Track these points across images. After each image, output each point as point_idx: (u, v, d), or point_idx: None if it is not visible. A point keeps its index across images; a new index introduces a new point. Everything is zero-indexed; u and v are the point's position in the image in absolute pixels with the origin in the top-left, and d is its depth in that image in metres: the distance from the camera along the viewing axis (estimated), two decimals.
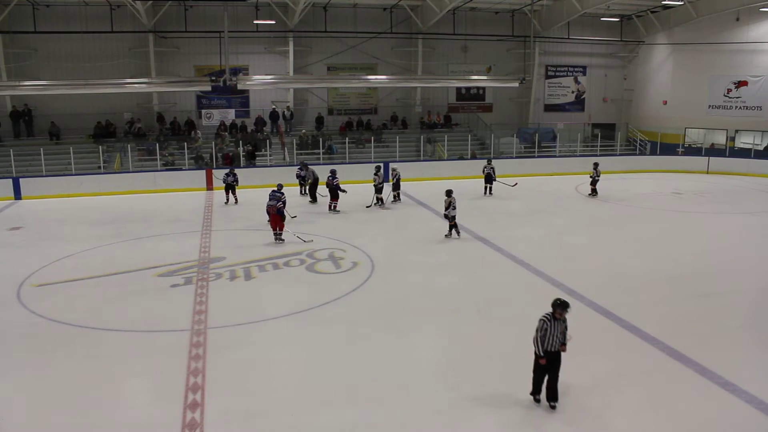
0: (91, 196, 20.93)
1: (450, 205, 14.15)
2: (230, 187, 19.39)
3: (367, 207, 18.40)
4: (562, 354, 6.75)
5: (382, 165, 20.65)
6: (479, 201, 19.82)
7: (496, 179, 20.67)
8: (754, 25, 27.00)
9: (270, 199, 14.09)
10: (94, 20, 24.47)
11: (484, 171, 20.86)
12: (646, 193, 21.17)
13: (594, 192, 20.04)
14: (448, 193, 14.24)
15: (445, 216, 14.38)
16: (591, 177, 20.05)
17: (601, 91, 32.04)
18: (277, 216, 14.00)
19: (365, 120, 28.41)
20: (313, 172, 20.04)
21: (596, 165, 20.05)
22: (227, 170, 19.90)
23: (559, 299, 6.82)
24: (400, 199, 19.77)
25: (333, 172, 17.80)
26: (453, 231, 14.43)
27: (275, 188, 14.42)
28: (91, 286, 11.23)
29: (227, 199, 19.43)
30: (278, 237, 14.11)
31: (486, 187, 20.71)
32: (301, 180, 20.70)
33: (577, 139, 28.70)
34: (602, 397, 7.03)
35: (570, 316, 9.54)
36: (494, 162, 21.44)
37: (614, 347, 8.44)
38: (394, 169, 20.20)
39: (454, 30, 27.77)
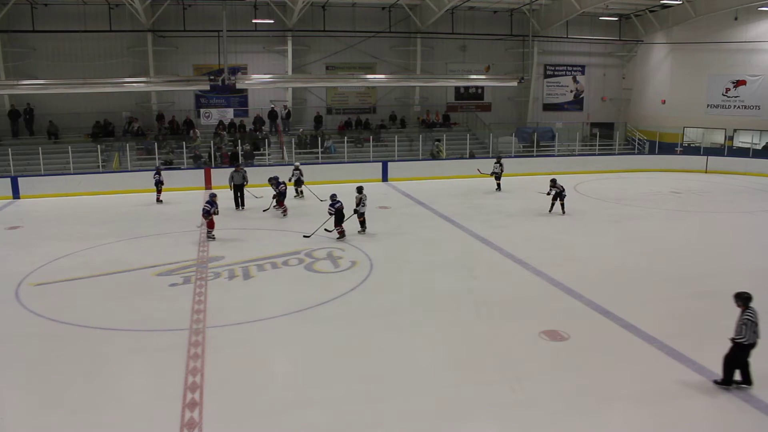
0: (89, 196, 20.91)
1: (360, 201, 14.54)
2: (158, 185, 19.68)
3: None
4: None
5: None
6: (479, 200, 19.82)
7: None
8: (753, 24, 27.04)
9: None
10: (92, 19, 24.46)
11: (496, 169, 21.60)
12: (644, 193, 21.18)
13: (554, 206, 17.36)
14: (359, 189, 14.65)
15: (355, 212, 14.64)
16: (554, 192, 17.32)
17: (600, 91, 32.05)
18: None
19: (364, 119, 28.40)
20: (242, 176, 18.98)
21: (554, 181, 17.43)
22: (154, 170, 20.02)
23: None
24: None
25: (276, 179, 17.65)
26: (363, 226, 14.77)
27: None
28: (89, 285, 11.23)
29: (158, 198, 19.70)
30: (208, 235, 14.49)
31: (498, 185, 21.56)
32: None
33: (576, 138, 28.71)
34: (600, 396, 7.04)
35: (568, 315, 9.55)
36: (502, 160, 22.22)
37: (613, 346, 8.44)
38: (296, 167, 20.19)
39: (452, 29, 27.78)
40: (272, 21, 25.72)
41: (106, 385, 7.45)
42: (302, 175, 20.27)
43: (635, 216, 17.29)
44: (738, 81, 27.89)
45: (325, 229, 14.66)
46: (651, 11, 28.91)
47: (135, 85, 22.22)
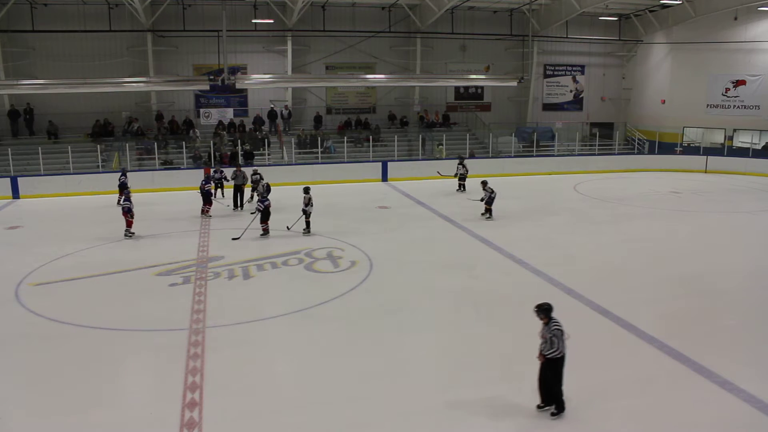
0: (89, 195, 20.91)
1: (309, 202, 14.89)
2: (121, 187, 18.85)
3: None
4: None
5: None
6: (477, 200, 19.77)
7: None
8: (753, 24, 27.06)
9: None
10: (92, 19, 24.45)
11: (460, 170, 21.55)
12: (644, 193, 21.19)
13: (487, 211, 16.76)
14: (306, 190, 14.98)
15: (304, 211, 14.88)
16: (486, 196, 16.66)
17: (600, 91, 32.05)
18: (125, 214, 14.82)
19: (363, 119, 28.40)
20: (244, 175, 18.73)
21: (485, 183, 16.87)
22: (120, 172, 19.55)
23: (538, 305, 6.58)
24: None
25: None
26: (308, 227, 15.00)
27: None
28: (89, 285, 11.23)
29: (119, 200, 18.84)
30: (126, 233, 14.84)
31: (460, 185, 21.49)
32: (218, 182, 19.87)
33: (576, 138, 28.70)
34: (599, 396, 7.03)
35: (568, 315, 9.55)
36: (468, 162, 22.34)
37: (612, 346, 8.44)
38: (255, 171, 18.46)
39: (452, 29, 27.78)
40: (272, 21, 25.71)
41: (106, 385, 7.44)
42: (258, 179, 17.80)
43: (635, 216, 17.28)
44: (738, 81, 27.90)
45: (287, 227, 14.98)
46: (651, 11, 28.92)
47: (135, 85, 22.21)
